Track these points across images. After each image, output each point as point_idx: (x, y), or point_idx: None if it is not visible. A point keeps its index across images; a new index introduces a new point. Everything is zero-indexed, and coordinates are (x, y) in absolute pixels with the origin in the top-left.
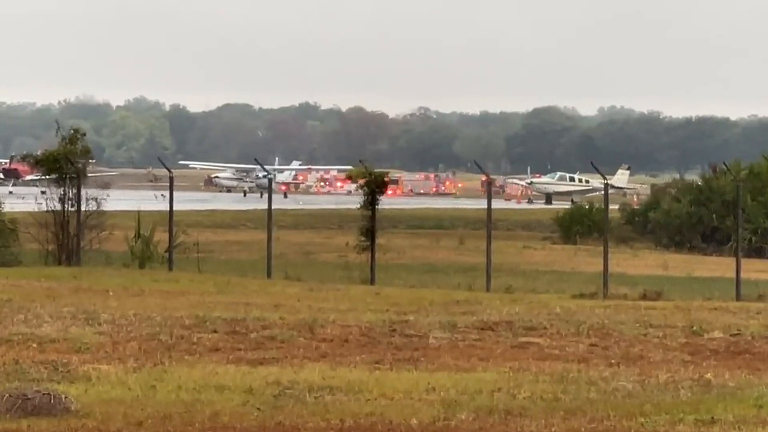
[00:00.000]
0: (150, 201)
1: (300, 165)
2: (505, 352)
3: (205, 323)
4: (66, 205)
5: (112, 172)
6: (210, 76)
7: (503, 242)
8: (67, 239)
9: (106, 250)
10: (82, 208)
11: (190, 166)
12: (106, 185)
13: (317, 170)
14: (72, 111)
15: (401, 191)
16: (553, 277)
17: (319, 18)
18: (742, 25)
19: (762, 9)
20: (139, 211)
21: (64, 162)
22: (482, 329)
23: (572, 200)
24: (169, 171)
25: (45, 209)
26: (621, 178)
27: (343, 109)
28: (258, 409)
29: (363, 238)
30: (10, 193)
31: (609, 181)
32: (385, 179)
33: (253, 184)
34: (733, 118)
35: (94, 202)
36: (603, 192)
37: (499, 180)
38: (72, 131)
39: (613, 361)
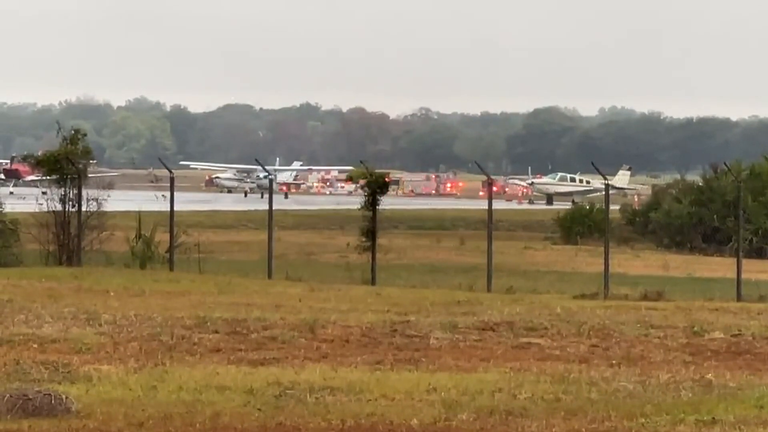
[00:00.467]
0: (151, 201)
1: (301, 166)
2: (506, 352)
3: (206, 324)
4: (67, 206)
5: (113, 172)
6: (211, 76)
7: (504, 243)
8: (68, 240)
9: (107, 250)
10: (83, 209)
11: (191, 166)
12: (110, 185)
13: (318, 171)
14: (73, 111)
15: (402, 192)
16: (554, 278)
17: (319, 18)
18: (742, 26)
19: (763, 9)
20: (140, 212)
21: (65, 162)
22: (483, 330)
23: (573, 201)
24: (170, 171)
25: (46, 210)
26: (622, 178)
27: (344, 110)
28: (259, 409)
29: (364, 239)
30: (11, 193)
31: (610, 182)
32: (386, 179)
33: (254, 185)
34: (733, 118)
35: (94, 203)
36: (604, 192)
37: (499, 180)
38: (73, 132)
39: (614, 361)
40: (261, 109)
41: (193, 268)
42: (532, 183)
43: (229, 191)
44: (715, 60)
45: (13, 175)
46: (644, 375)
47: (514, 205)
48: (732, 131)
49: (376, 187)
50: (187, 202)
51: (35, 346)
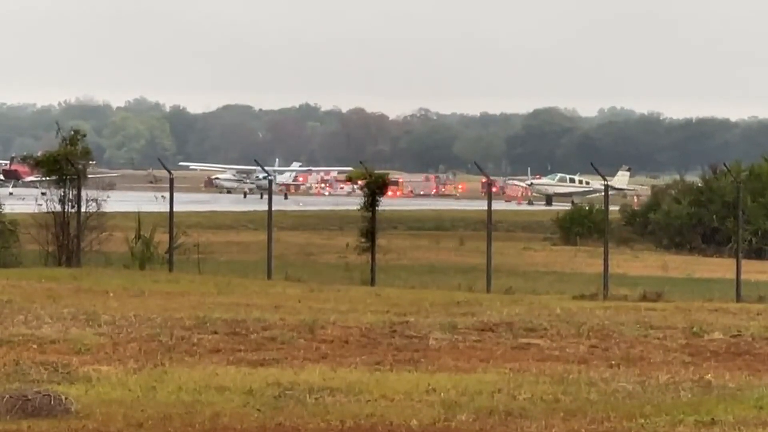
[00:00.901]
0: (150, 202)
1: (300, 166)
2: (505, 353)
3: (205, 324)
4: (66, 206)
5: (112, 173)
6: (210, 77)
7: (503, 243)
8: (68, 240)
9: (107, 251)
10: (83, 209)
11: (191, 167)
12: (111, 186)
13: (317, 171)
14: (72, 112)
15: (401, 192)
16: (553, 278)
17: (319, 19)
18: (742, 26)
19: (763, 10)
20: (139, 212)
21: (65, 163)
22: (482, 330)
23: (572, 201)
24: (170, 172)
25: (45, 210)
26: (621, 179)
27: (344, 111)
28: (258, 410)
29: (363, 239)
30: (11, 194)
31: (609, 183)
32: (385, 180)
33: (254, 186)
34: (733, 119)
35: (94, 203)
36: (603, 193)
37: (499, 181)
38: (72, 132)
39: (613, 362)
40: (260, 109)
41: (193, 268)
42: (532, 184)
43: (229, 192)
44: (715, 60)
45: (12, 176)
46: (643, 375)
47: (513, 206)
48: (731, 132)
49: (376, 187)
50: (187, 202)
51: (34, 346)
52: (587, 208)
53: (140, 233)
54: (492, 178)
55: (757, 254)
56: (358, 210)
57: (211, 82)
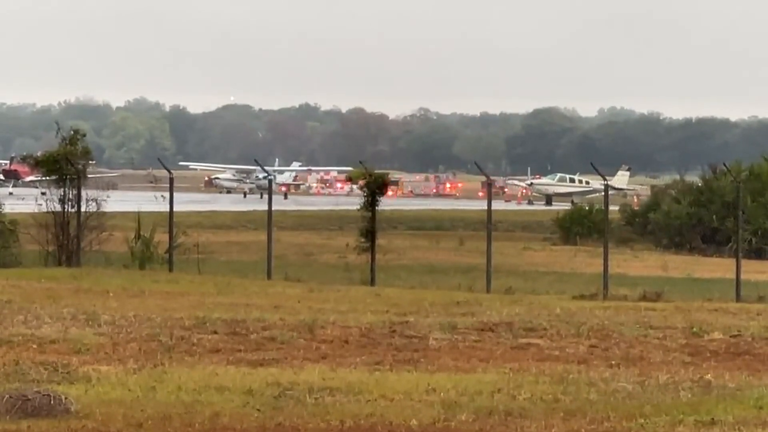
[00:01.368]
0: (150, 202)
1: (300, 166)
2: (505, 353)
3: (205, 324)
4: (66, 206)
5: (112, 173)
6: (210, 77)
7: (503, 243)
8: (67, 240)
9: (106, 251)
10: (82, 209)
11: (191, 167)
12: (113, 186)
13: (317, 171)
14: (72, 112)
15: (401, 192)
16: (553, 278)
17: (319, 19)
18: (742, 26)
19: (762, 10)
20: (139, 212)
21: (64, 163)
22: (482, 330)
23: (572, 201)
24: (169, 172)
25: (45, 210)
26: (621, 179)
27: (343, 110)
28: (258, 410)
29: (363, 239)
30: (10, 194)
31: (609, 182)
32: (385, 180)
33: (254, 185)
34: (733, 119)
35: (94, 203)
36: (603, 193)
37: (499, 181)
38: (72, 132)
39: (613, 362)
40: (260, 109)
41: (193, 268)
42: (531, 183)
43: (229, 192)
44: (715, 60)
45: (12, 176)
46: (643, 375)
47: (513, 206)
48: (731, 132)
49: (375, 187)
50: (187, 202)
51: (34, 346)
52: (587, 208)
53: (140, 233)
54: (492, 178)
55: (757, 254)
56: (358, 210)
57: (210, 82)
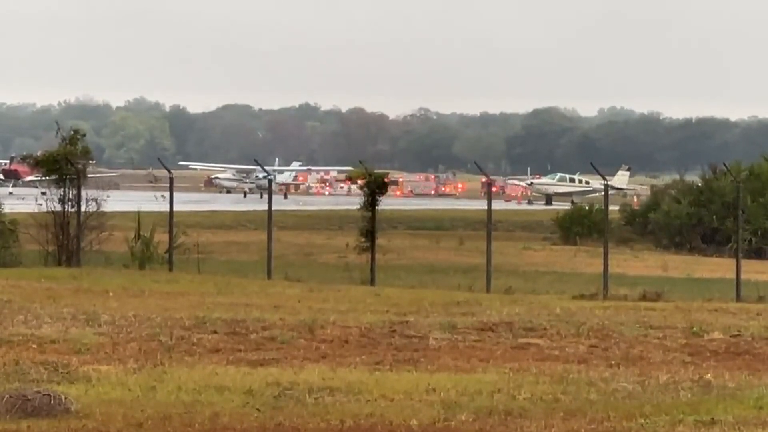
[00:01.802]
0: (150, 202)
1: (300, 166)
2: (505, 353)
3: (205, 324)
4: (66, 206)
5: (112, 172)
6: (210, 76)
7: (503, 243)
8: (67, 240)
9: (106, 250)
10: (82, 209)
11: (190, 166)
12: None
13: (317, 171)
14: (72, 112)
15: (401, 192)
16: (553, 278)
17: (319, 19)
18: (742, 26)
19: (762, 10)
20: (139, 212)
21: (64, 163)
22: (482, 330)
23: (572, 201)
24: (169, 172)
25: (45, 210)
26: (621, 179)
27: (343, 110)
28: (258, 410)
29: (363, 239)
30: (10, 193)
31: (609, 182)
32: (385, 180)
33: (253, 185)
34: (733, 119)
35: (94, 203)
36: (603, 193)
37: (499, 181)
38: (72, 132)
39: (613, 362)
40: (260, 109)
41: (192, 268)
42: (531, 183)
43: (228, 191)
44: (715, 60)
45: (12, 176)
46: (643, 375)
47: (513, 206)
48: (731, 132)
49: (375, 187)
50: (187, 202)
51: (34, 346)
52: (587, 207)
53: (140, 233)
54: (492, 177)
55: (756, 254)
56: (358, 210)
57: (210, 81)
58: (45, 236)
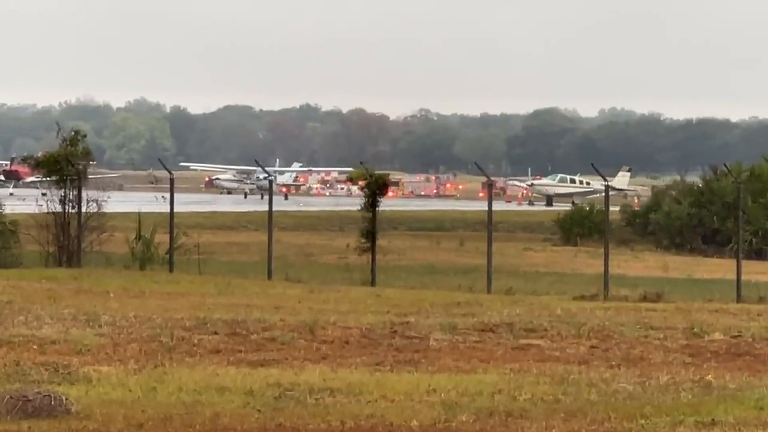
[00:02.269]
0: (151, 202)
1: (300, 167)
2: (505, 353)
3: (205, 325)
4: (66, 207)
5: (112, 173)
6: (211, 77)
7: (504, 244)
8: (68, 241)
9: (107, 251)
10: (83, 210)
11: (191, 167)
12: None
13: (318, 172)
14: (73, 112)
15: (402, 192)
16: (553, 279)
17: (319, 19)
18: (742, 27)
19: (763, 10)
20: (139, 213)
21: (65, 163)
22: (483, 331)
23: (573, 202)
24: (170, 172)
25: (45, 211)
26: (622, 179)
27: (344, 111)
28: (258, 410)
29: (363, 240)
30: (11, 194)
31: (609, 183)
32: (386, 181)
33: (254, 186)
34: (733, 119)
35: (94, 204)
36: (603, 194)
37: (499, 182)
38: (72, 133)
39: (613, 362)
40: (261, 110)
41: (193, 269)
42: (532, 184)
43: (229, 192)
44: (715, 61)
45: (12, 177)
46: (644, 376)
47: (513, 207)
48: (732, 132)
49: (376, 188)
50: (187, 203)
51: (35, 347)
52: (588, 208)
53: (140, 234)
54: (492, 178)
55: (757, 255)
56: (359, 210)
57: (211, 82)
58: (46, 237)
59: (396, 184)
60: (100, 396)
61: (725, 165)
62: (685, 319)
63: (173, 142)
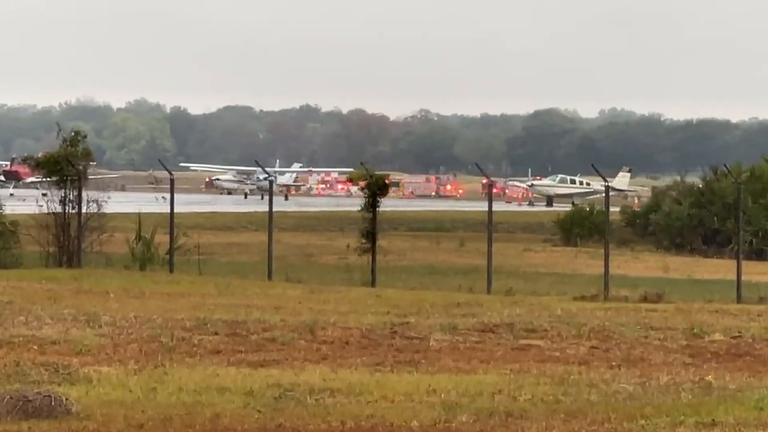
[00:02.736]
0: (151, 203)
1: (301, 167)
2: (505, 354)
3: (205, 325)
4: (67, 207)
5: (112, 174)
6: (211, 78)
7: (504, 244)
8: (68, 241)
9: (107, 252)
10: (83, 210)
11: (191, 168)
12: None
13: (318, 172)
14: (73, 113)
15: (402, 193)
16: (553, 280)
17: (319, 20)
18: (743, 27)
19: (763, 10)
20: (139, 213)
21: (65, 164)
22: (483, 331)
23: (573, 202)
24: (170, 173)
25: (46, 211)
26: (622, 180)
27: (344, 112)
28: (258, 411)
29: (364, 240)
30: (11, 195)
31: (610, 184)
32: (386, 181)
33: (254, 186)
34: (733, 120)
35: (94, 204)
36: (604, 194)
37: (499, 182)
38: (73, 133)
39: (613, 363)
40: (261, 110)
41: (193, 269)
42: (532, 185)
43: (229, 193)
44: (715, 61)
45: (13, 177)
46: (644, 377)
47: (513, 207)
48: (732, 133)
49: (376, 188)
50: (187, 203)
51: (35, 347)
52: (588, 209)
53: (141, 234)
54: (493, 179)
55: (757, 255)
56: (359, 211)
57: (211, 83)
58: (46, 237)
59: (396, 184)
60: (100, 396)
61: (725, 165)
62: (686, 319)
63: (173, 142)
